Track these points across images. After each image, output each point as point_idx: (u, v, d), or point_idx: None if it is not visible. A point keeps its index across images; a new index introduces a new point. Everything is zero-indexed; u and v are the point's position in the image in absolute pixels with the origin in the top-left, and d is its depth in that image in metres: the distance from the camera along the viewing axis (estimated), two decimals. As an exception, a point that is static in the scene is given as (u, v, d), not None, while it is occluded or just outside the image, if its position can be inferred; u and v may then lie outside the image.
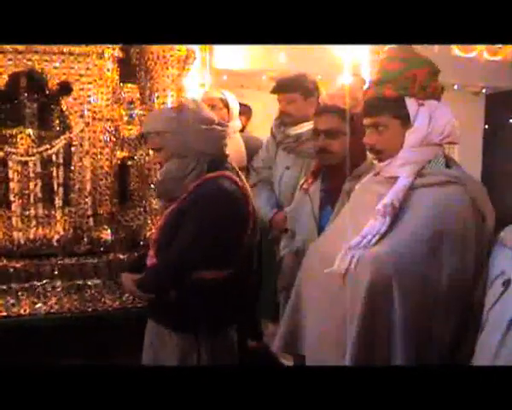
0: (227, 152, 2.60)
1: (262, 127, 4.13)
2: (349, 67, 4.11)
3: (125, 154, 3.56)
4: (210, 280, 2.43)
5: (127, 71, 3.55)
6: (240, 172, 2.61)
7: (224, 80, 4.57)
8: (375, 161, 2.15)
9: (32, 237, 3.33)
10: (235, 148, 3.73)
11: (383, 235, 1.92)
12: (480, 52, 6.44)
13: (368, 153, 2.65)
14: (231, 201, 2.43)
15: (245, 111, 4.14)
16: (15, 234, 3.31)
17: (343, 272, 1.92)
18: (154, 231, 2.76)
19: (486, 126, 6.54)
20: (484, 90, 6.51)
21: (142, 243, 3.48)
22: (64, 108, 3.35)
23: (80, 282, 3.36)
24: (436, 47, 5.83)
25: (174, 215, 2.47)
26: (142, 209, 3.57)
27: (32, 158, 3.28)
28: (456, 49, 6.23)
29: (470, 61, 6.18)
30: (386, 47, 2.21)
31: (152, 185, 3.47)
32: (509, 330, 1.52)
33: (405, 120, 2.00)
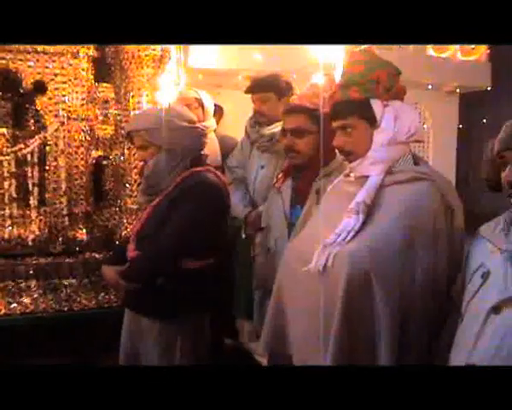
0: (205, 151, 2.78)
1: (233, 127, 4.17)
2: (324, 67, 4.13)
3: (100, 153, 3.57)
4: (195, 268, 2.58)
5: (102, 70, 3.55)
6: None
7: (199, 80, 4.57)
8: (346, 162, 2.20)
9: (6, 236, 3.32)
10: (210, 147, 3.73)
11: (357, 232, 1.96)
12: (454, 52, 6.51)
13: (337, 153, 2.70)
14: (218, 192, 2.65)
15: (216, 111, 4.15)
16: (-10, 234, 3.30)
17: (321, 269, 1.95)
18: (135, 224, 2.80)
19: (460, 126, 6.62)
20: (458, 90, 6.57)
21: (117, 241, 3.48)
22: (39, 108, 3.35)
23: (56, 281, 3.35)
24: (411, 47, 5.91)
25: (161, 207, 2.61)
26: (117, 209, 3.58)
27: (7, 157, 3.27)
28: (430, 50, 6.30)
29: (444, 60, 6.25)
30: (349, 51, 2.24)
31: (127, 185, 3.48)
32: (487, 320, 1.59)
33: (372, 121, 2.05)
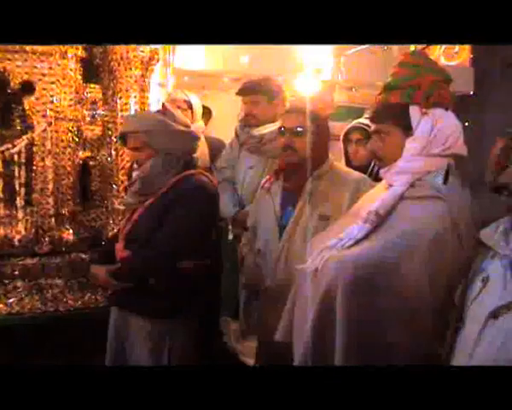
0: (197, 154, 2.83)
1: (221, 129, 4.20)
2: (310, 69, 4.17)
3: (87, 154, 3.56)
4: (189, 269, 2.63)
5: (90, 71, 3.55)
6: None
7: (185, 81, 4.56)
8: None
9: (-8, 237, 3.30)
10: (199, 149, 3.76)
11: (359, 240, 1.94)
12: (437, 57, 6.57)
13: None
14: (211, 195, 2.75)
15: (204, 113, 4.17)
16: (-24, 234, 3.27)
17: (312, 270, 1.96)
18: (124, 224, 2.81)
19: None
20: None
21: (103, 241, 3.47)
22: (26, 108, 3.32)
23: (42, 282, 3.34)
24: (395, 50, 5.93)
25: (154, 209, 2.65)
26: (103, 209, 3.57)
27: (-7, 157, 3.25)
28: (414, 54, 6.32)
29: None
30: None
31: (114, 185, 3.47)
32: (486, 325, 1.57)
33: (407, 129, 1.97)
